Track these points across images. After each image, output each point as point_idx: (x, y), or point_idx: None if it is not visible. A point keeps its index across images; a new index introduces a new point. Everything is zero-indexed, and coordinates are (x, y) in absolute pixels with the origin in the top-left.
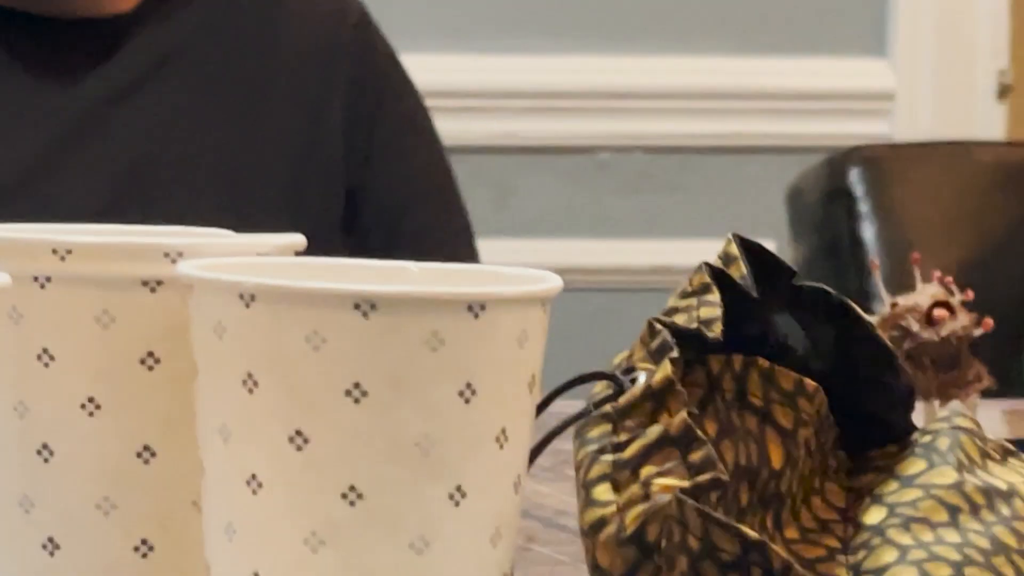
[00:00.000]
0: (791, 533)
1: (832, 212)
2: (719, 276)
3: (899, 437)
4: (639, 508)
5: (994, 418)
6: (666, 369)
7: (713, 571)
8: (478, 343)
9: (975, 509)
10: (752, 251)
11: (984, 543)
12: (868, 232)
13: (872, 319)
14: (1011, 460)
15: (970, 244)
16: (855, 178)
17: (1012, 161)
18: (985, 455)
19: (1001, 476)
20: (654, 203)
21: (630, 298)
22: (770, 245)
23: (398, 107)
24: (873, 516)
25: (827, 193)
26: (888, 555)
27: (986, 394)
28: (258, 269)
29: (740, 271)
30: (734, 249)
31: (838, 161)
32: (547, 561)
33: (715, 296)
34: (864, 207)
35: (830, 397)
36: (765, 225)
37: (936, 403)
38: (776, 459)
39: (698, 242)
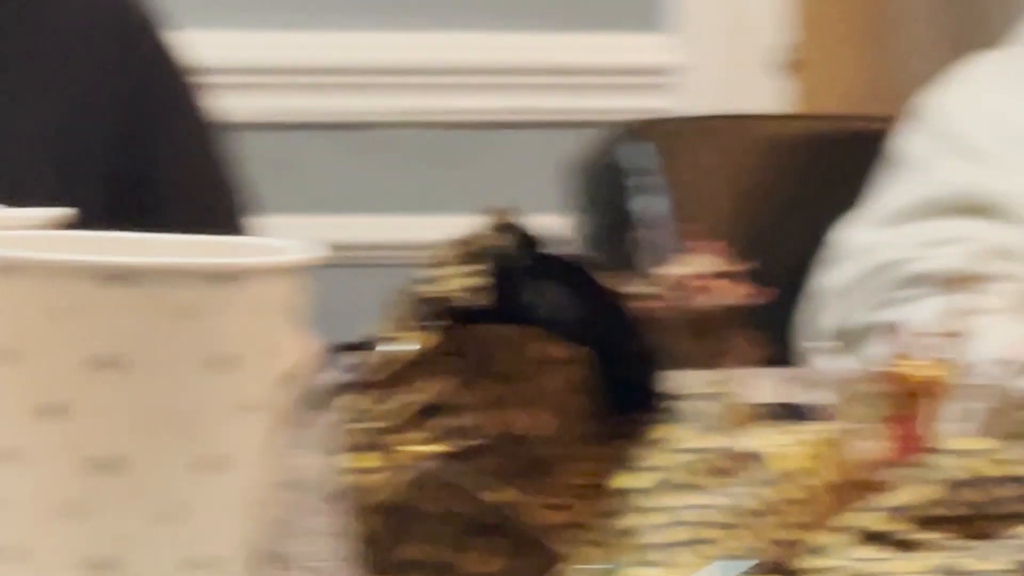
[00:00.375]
0: (553, 499)
1: (612, 186)
2: (485, 245)
3: (657, 403)
4: (396, 475)
5: (769, 386)
6: (426, 337)
7: (467, 536)
8: (229, 313)
9: (727, 473)
10: (518, 222)
11: (736, 506)
12: (648, 205)
13: (641, 289)
14: (762, 424)
15: (751, 216)
16: (635, 151)
17: (793, 134)
18: (738, 420)
19: (752, 440)
20: (438, 178)
21: (416, 274)
22: (552, 220)
23: (168, 86)
24: (630, 481)
25: (607, 167)
26: (644, 520)
27: (765, 362)
28: (4, 242)
29: (506, 241)
30: (501, 219)
31: (618, 135)
32: (309, 532)
33: (480, 265)
34: (644, 180)
35: (591, 365)
36: (547, 200)
37: (706, 372)
38: (540, 426)
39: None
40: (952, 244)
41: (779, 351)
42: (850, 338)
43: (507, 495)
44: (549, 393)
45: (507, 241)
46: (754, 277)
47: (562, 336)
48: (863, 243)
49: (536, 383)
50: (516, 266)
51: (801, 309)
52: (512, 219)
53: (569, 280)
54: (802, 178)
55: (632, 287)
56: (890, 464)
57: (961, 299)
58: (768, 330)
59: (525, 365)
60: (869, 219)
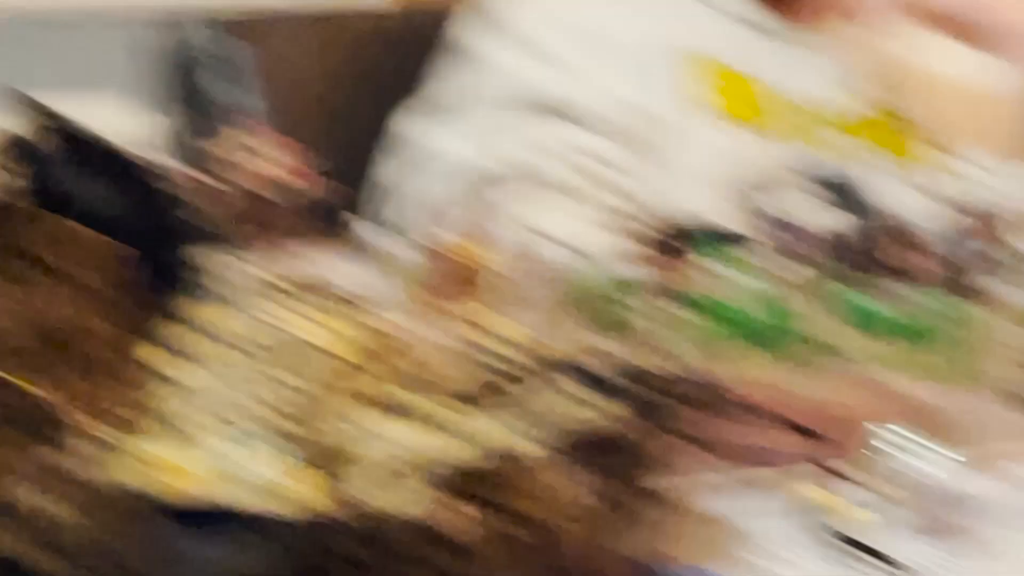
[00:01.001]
0: (86, 387)
1: (200, 76)
2: (17, 141)
3: (194, 283)
4: None
5: (317, 265)
6: None
7: None
8: None
9: (267, 352)
10: (49, 112)
11: (276, 386)
12: (234, 96)
13: (189, 173)
14: (302, 303)
15: (336, 109)
16: (223, 42)
17: (380, 29)
18: (277, 299)
19: (291, 319)
20: (15, 72)
21: None
22: (140, 108)
23: None
24: (165, 361)
25: (194, 56)
26: (175, 394)
27: (318, 244)
28: None
29: (38, 130)
30: (34, 108)
31: (206, 28)
32: None
33: (10, 156)
34: (231, 71)
35: (128, 247)
36: (137, 88)
37: (253, 253)
38: (73, 312)
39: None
40: (522, 144)
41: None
42: (410, 232)
43: (35, 385)
44: (80, 279)
45: (42, 132)
46: (330, 166)
47: (94, 221)
48: (421, 137)
49: (65, 270)
50: (50, 154)
51: (368, 201)
52: (50, 111)
53: (103, 168)
54: (390, 72)
55: (184, 171)
56: (434, 341)
57: (522, 196)
58: (334, 217)
59: (55, 251)
60: (427, 111)
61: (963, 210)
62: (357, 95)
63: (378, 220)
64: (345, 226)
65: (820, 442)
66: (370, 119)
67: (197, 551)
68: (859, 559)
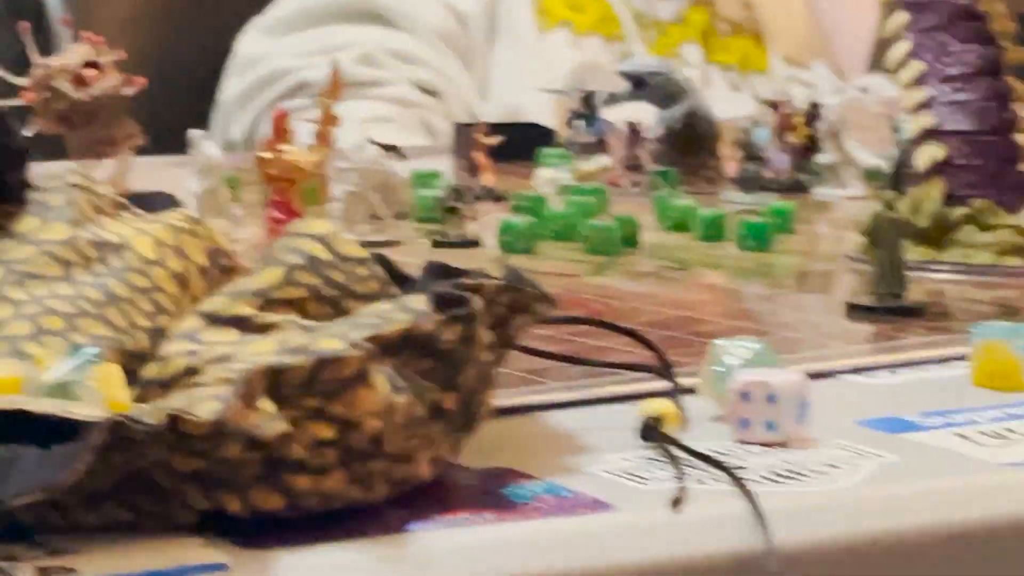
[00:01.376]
0: None
1: None
2: None
3: (14, 196)
4: None
5: (145, 173)
6: None
7: None
8: None
9: (88, 263)
10: None
11: (97, 295)
12: (65, 6)
13: (24, 81)
14: (124, 214)
15: (157, 12)
16: None
17: None
18: (99, 210)
19: (114, 230)
20: None
21: None
22: None
23: None
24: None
25: None
26: (3, 311)
27: (148, 151)
28: None
29: None
30: None
31: None
32: None
33: None
34: None
35: None
36: None
37: (92, 161)
38: None
39: None
40: (339, 50)
41: (176, 143)
42: (248, 146)
43: None
44: None
45: None
46: (152, 68)
47: None
48: (255, 52)
49: None
50: None
51: (211, 118)
52: None
53: None
54: None
55: (13, 83)
56: (260, 248)
57: (347, 102)
58: (167, 121)
59: None
60: (262, 27)
61: (778, 110)
62: (202, 12)
63: (215, 130)
64: (180, 136)
65: (657, 351)
66: (216, 35)
67: (8, 457)
68: (697, 468)
